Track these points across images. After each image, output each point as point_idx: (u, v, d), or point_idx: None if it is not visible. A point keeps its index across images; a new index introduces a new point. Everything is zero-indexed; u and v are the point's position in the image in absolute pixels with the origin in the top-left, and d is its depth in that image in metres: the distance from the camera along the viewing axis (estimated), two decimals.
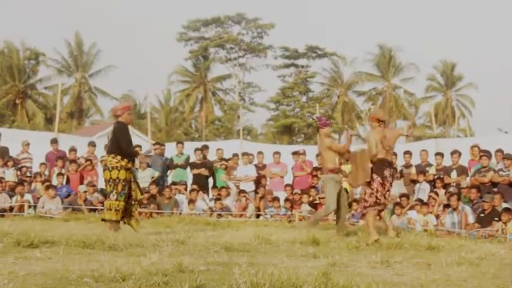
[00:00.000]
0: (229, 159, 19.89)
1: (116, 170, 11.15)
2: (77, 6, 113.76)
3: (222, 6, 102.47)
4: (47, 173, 19.25)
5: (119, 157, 11.21)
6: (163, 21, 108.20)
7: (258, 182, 19.26)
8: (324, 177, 12.51)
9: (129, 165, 11.34)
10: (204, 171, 19.34)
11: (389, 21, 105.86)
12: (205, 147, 20.26)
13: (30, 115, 59.04)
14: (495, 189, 15.76)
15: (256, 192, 18.97)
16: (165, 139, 49.72)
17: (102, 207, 17.68)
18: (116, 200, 11.06)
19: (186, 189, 18.91)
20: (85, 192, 17.98)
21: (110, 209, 11.08)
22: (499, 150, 16.75)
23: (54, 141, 19.94)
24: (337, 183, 12.02)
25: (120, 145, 11.34)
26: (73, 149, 19.68)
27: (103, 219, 11.35)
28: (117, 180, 11.10)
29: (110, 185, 11.16)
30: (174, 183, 19.25)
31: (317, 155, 20.02)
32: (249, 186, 19.07)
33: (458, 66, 65.55)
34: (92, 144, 20.45)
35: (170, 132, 61.67)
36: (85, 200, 17.75)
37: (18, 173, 18.77)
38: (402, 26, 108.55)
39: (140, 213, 17.48)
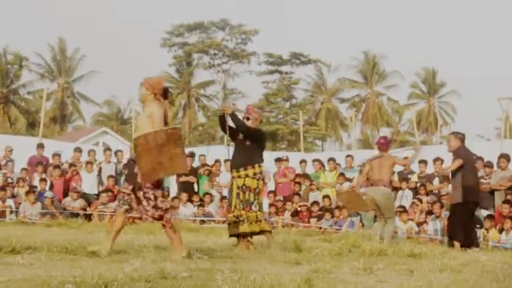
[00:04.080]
0: (212, 166, 19.84)
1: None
2: (60, 11, 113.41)
3: (206, 12, 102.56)
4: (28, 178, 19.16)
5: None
6: (147, 26, 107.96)
7: None
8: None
9: (250, 172, 10.40)
10: (192, 179, 19.27)
11: (373, 29, 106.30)
12: (193, 154, 20.08)
13: (13, 120, 58.76)
14: None
15: None
16: None
17: (85, 212, 17.68)
18: (259, 210, 10.35)
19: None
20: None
21: (260, 221, 10.33)
22: (479, 158, 16.84)
23: (40, 146, 19.84)
24: None
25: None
26: (57, 154, 19.59)
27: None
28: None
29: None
30: None
31: (300, 162, 20.08)
32: None
33: (440, 73, 65.94)
34: (78, 150, 20.40)
35: None
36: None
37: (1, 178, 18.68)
38: (386, 33, 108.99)
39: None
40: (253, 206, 10.29)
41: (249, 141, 10.48)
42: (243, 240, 10.28)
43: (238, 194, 10.36)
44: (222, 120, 10.49)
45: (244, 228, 10.29)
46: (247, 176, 10.35)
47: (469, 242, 12.26)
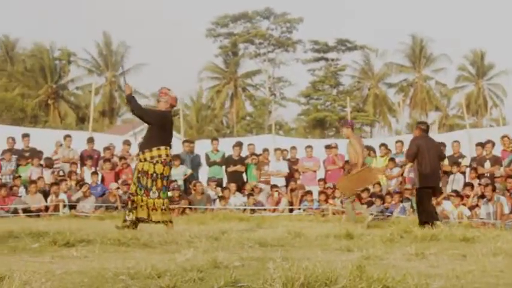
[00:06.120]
0: (259, 155, 19.86)
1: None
2: (105, 5, 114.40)
3: (250, 2, 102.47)
4: (79, 171, 19.34)
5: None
6: (193, 17, 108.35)
7: (290, 176, 19.26)
8: None
9: (147, 155, 10.45)
10: (240, 168, 19.34)
11: (419, 12, 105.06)
12: (241, 143, 20.14)
13: (62, 115, 59.55)
14: None
15: (287, 186, 18.97)
16: (196, 136, 49.85)
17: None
18: (158, 197, 10.40)
19: (220, 186, 18.85)
20: (117, 188, 18.01)
21: (155, 209, 10.38)
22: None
23: (90, 140, 20.01)
24: None
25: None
26: (108, 148, 19.79)
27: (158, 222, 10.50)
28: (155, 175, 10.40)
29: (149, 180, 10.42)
30: (209, 179, 19.24)
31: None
32: (280, 181, 19.06)
33: (488, 54, 64.99)
34: (127, 142, 20.46)
35: (201, 129, 61.78)
36: (118, 197, 17.80)
37: (54, 173, 18.90)
38: (432, 16, 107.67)
39: (173, 209, 17.60)
40: (152, 192, 10.34)
41: (150, 125, 10.64)
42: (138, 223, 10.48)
43: (138, 178, 10.49)
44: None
45: (141, 214, 10.42)
46: (145, 159, 10.44)
47: (429, 218, 12.38)
